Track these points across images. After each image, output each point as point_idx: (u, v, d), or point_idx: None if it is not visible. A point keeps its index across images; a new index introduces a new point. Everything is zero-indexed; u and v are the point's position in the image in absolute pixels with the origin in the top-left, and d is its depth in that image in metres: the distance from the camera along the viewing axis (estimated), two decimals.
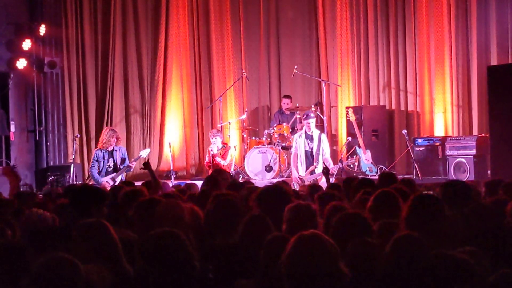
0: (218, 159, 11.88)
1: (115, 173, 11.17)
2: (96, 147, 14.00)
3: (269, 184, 5.70)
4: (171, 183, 10.80)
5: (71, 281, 3.17)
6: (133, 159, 11.82)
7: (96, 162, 11.31)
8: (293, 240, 3.26)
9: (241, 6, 14.46)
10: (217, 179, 6.89)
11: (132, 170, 11.82)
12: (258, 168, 12.31)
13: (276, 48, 14.44)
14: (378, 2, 13.58)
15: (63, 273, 3.16)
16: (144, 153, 11.77)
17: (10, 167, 12.67)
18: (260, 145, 12.60)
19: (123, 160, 11.35)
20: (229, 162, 12.12)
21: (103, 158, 11.27)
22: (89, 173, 11.81)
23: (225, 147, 12.17)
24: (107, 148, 11.30)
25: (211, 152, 11.93)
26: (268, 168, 12.27)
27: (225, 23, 14.46)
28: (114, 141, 11.30)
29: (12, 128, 13.38)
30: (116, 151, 11.33)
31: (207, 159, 12.19)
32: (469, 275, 3.24)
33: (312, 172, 11.00)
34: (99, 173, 11.24)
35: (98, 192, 5.11)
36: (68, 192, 6.09)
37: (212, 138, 12.03)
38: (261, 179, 11.91)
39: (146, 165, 7.96)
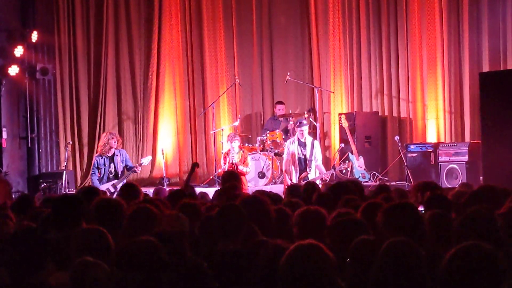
0: (241, 167, 11.30)
1: (116, 180, 10.96)
2: (91, 153, 14.05)
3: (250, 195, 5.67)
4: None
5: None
6: (138, 164, 11.43)
7: (97, 169, 11.09)
8: (291, 249, 3.19)
9: (233, 13, 14.47)
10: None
11: (138, 172, 11.60)
12: (251, 174, 12.28)
13: (269, 54, 14.45)
14: (370, 8, 13.60)
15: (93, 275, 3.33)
16: (146, 161, 11.55)
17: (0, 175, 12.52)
18: (253, 152, 12.59)
19: (125, 165, 11.09)
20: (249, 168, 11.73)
21: (104, 164, 11.02)
22: (90, 180, 11.64)
23: (243, 152, 11.70)
24: (107, 153, 11.05)
25: (231, 160, 11.25)
26: (261, 175, 12.26)
27: (218, 30, 14.45)
28: (114, 143, 11.01)
29: (4, 135, 13.33)
30: (117, 155, 11.06)
31: (224, 166, 11.39)
32: (504, 276, 2.84)
33: (305, 178, 10.99)
34: (100, 179, 11.02)
35: (77, 203, 5.04)
36: (47, 202, 6.00)
37: (232, 143, 11.42)
38: (254, 186, 11.89)
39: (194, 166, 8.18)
